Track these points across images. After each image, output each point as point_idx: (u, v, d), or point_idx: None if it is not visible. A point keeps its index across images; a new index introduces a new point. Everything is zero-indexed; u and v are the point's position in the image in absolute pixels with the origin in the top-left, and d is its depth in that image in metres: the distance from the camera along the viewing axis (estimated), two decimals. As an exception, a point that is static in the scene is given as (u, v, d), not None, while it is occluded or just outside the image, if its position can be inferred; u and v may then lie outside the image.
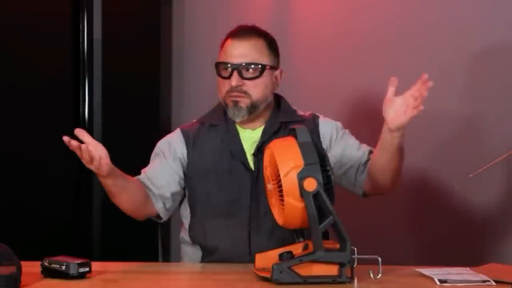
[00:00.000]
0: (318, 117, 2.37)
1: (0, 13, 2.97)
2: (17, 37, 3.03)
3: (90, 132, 3.24)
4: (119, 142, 3.38)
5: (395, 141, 2.13)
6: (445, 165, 3.15)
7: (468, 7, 3.12)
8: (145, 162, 3.46)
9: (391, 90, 2.08)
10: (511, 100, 3.04)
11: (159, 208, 2.29)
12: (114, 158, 3.33)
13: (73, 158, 3.21)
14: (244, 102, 2.24)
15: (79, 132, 2.02)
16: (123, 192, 2.17)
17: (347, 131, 2.39)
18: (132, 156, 3.43)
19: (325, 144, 2.31)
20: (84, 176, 3.25)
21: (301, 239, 1.97)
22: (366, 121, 3.26)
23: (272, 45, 2.30)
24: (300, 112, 2.37)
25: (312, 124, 2.33)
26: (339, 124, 2.39)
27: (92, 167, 2.02)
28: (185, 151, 2.32)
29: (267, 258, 1.92)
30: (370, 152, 2.33)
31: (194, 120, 2.41)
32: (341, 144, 2.33)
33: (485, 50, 3.08)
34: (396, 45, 3.24)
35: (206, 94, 3.65)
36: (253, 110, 2.26)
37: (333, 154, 2.30)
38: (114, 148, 3.32)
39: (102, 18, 3.27)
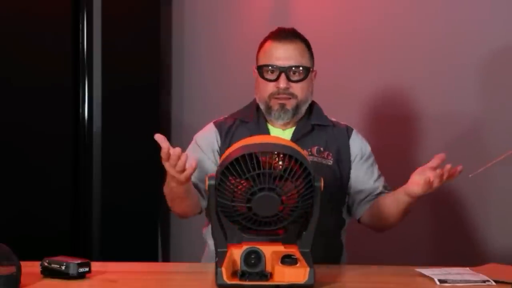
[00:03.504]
0: (352, 130, 2.39)
1: (0, 13, 2.98)
2: (17, 37, 3.03)
3: (90, 132, 3.25)
4: (119, 142, 3.39)
5: (403, 203, 2.18)
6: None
7: (474, 8, 3.11)
8: (145, 161, 3.47)
9: (433, 162, 2.06)
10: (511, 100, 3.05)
11: (204, 204, 2.25)
12: (114, 158, 3.35)
13: (73, 158, 3.24)
14: (290, 104, 2.26)
15: (159, 138, 1.90)
16: (189, 196, 2.13)
17: (373, 156, 2.40)
18: (132, 156, 3.44)
19: (352, 156, 2.34)
20: (84, 175, 3.25)
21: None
22: (368, 120, 3.26)
23: (310, 48, 2.33)
24: (332, 119, 2.39)
25: (345, 134, 2.36)
26: (369, 146, 2.40)
27: (180, 176, 1.93)
28: (220, 143, 2.31)
29: None
30: (385, 188, 2.34)
31: (226, 116, 2.40)
32: (363, 166, 2.35)
33: (488, 50, 3.07)
34: (397, 45, 3.23)
35: (206, 94, 3.67)
36: (297, 112, 2.28)
37: (354, 171, 2.33)
38: (114, 148, 3.35)
39: (102, 18, 3.27)
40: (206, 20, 3.69)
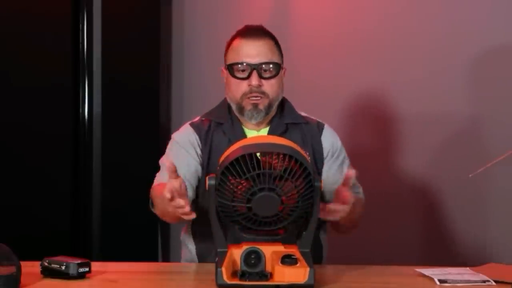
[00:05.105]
0: (323, 125, 2.34)
1: (0, 13, 2.98)
2: (17, 37, 3.03)
3: (90, 132, 3.25)
4: (119, 142, 3.39)
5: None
6: (445, 165, 3.15)
7: (471, 8, 3.12)
8: (145, 161, 3.46)
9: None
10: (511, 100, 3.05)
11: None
12: (114, 158, 3.35)
13: (73, 158, 3.24)
14: (263, 104, 2.21)
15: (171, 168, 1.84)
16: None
17: (343, 152, 2.34)
18: (132, 156, 3.44)
19: (324, 152, 2.30)
20: (84, 175, 3.25)
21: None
22: (367, 121, 3.26)
23: (278, 44, 2.29)
24: (303, 114, 2.35)
25: (316, 129, 2.31)
26: (339, 140, 2.34)
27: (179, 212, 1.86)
28: (201, 146, 2.27)
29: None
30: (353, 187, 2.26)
31: (199, 116, 2.36)
32: (334, 165, 2.30)
33: (486, 51, 3.08)
34: (397, 45, 3.24)
35: (205, 94, 3.66)
36: (269, 111, 2.24)
37: (325, 169, 2.29)
38: (114, 148, 3.35)
39: (102, 18, 3.27)
40: (206, 20, 3.69)
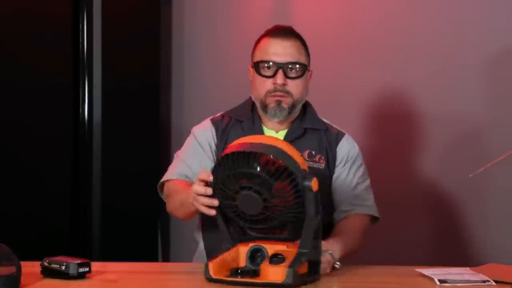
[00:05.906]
0: (344, 135, 2.33)
1: (0, 13, 2.98)
2: (17, 37, 3.03)
3: (90, 132, 3.25)
4: (119, 142, 3.39)
5: None
6: (446, 165, 3.15)
7: (472, 8, 3.11)
8: (145, 161, 3.48)
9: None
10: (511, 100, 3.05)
11: None
12: (114, 158, 3.35)
13: (73, 158, 3.24)
14: (286, 102, 2.22)
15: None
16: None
17: (358, 162, 2.33)
18: (132, 156, 3.44)
19: (337, 161, 2.30)
20: (84, 176, 3.25)
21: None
22: (368, 120, 3.26)
23: (306, 47, 2.30)
24: (325, 121, 2.34)
25: (334, 138, 2.31)
26: (357, 150, 2.33)
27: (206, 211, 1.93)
28: (217, 141, 2.29)
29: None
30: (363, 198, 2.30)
31: (221, 113, 2.37)
32: (344, 172, 2.30)
33: (487, 51, 3.07)
34: (398, 45, 3.23)
35: (206, 94, 3.67)
36: (292, 110, 2.24)
37: (335, 176, 2.29)
38: (114, 148, 3.36)
39: (102, 18, 3.27)
40: (206, 20, 3.69)
